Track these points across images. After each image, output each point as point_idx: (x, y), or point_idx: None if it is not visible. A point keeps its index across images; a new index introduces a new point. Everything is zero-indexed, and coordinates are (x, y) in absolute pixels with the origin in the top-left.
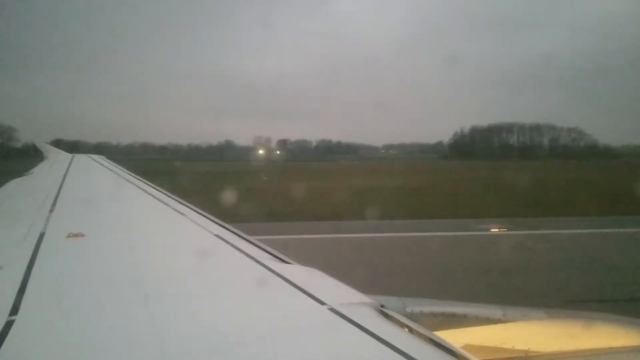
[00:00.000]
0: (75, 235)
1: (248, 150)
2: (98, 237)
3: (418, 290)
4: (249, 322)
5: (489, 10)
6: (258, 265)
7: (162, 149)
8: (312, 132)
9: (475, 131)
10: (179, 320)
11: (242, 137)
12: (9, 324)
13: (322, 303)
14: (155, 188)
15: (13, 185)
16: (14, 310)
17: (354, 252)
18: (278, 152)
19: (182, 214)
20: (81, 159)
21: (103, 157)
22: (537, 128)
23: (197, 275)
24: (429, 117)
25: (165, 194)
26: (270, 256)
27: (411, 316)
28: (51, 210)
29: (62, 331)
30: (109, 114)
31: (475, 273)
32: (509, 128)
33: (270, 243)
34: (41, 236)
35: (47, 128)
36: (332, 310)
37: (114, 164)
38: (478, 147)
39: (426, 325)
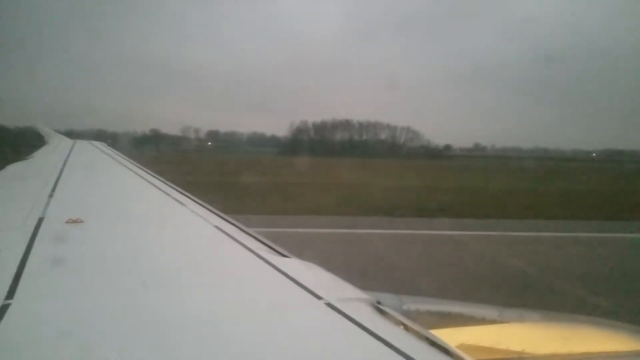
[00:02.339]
0: (75, 221)
1: (175, 140)
2: (97, 224)
3: None
4: (243, 314)
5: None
6: (256, 258)
7: (82, 135)
8: (245, 124)
9: (305, 126)
10: (174, 310)
11: (169, 126)
12: (4, 308)
13: (319, 297)
14: (155, 177)
15: (13, 168)
16: (10, 294)
17: None
18: (209, 143)
19: (183, 203)
20: (83, 144)
21: (104, 143)
22: (371, 126)
23: (195, 265)
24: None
25: (165, 182)
26: (269, 249)
27: (407, 314)
28: (51, 195)
29: (58, 317)
30: (26, 97)
31: None
32: (343, 125)
33: None
34: (40, 221)
35: None
36: (328, 305)
37: (115, 150)
38: (307, 143)
39: (422, 323)
